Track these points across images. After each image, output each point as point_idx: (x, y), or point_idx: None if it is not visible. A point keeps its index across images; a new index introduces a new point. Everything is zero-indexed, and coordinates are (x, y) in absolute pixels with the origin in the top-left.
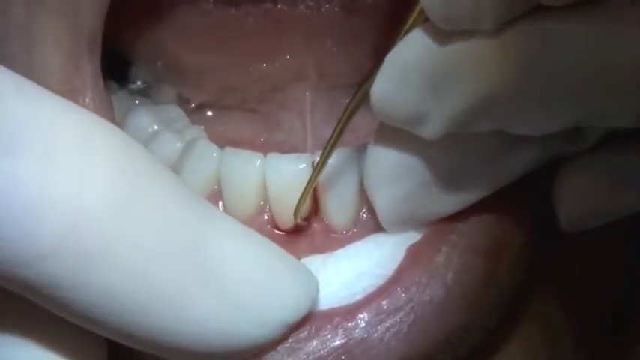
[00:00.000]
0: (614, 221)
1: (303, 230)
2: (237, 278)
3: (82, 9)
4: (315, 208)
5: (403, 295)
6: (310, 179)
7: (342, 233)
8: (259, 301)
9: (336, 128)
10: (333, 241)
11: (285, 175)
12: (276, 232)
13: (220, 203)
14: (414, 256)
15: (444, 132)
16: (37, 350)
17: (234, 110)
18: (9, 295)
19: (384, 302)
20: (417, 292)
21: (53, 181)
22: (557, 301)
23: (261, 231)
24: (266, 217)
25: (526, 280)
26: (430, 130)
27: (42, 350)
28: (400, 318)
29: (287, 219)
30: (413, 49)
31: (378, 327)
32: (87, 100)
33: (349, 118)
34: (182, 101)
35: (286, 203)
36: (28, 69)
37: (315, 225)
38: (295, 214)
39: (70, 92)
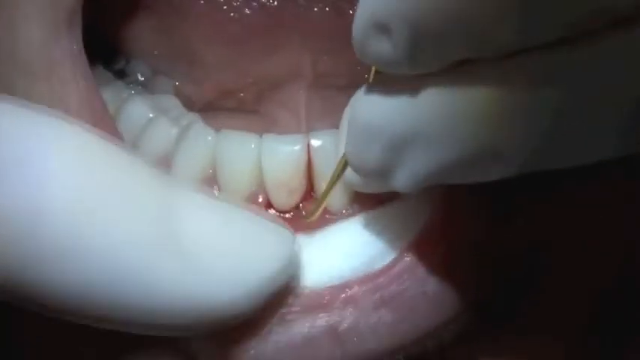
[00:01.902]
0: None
1: (297, 210)
2: (206, 246)
3: None
4: (310, 189)
5: (398, 285)
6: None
7: (336, 214)
8: (231, 268)
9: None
10: (328, 222)
11: (281, 156)
12: (272, 213)
13: (216, 186)
14: (413, 247)
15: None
16: None
17: (232, 111)
18: None
19: (378, 289)
20: (413, 284)
21: (11, 175)
22: (547, 298)
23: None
24: (261, 199)
25: (517, 277)
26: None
27: None
28: (394, 306)
29: (283, 200)
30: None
31: (371, 314)
32: (68, 73)
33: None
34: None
35: (282, 184)
36: (8, 41)
37: (309, 205)
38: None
39: (50, 64)
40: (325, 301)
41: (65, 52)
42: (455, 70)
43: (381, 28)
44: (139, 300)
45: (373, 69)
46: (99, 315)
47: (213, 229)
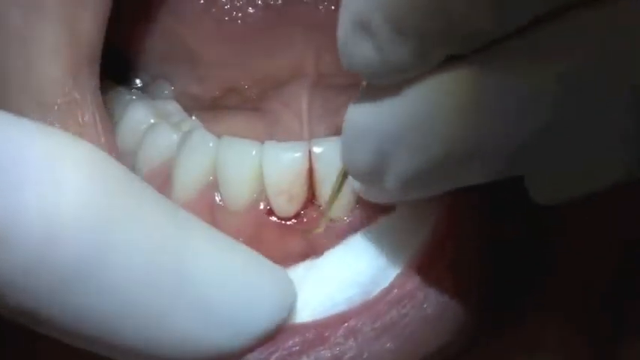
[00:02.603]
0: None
1: (299, 218)
2: (213, 288)
3: (82, 19)
4: (312, 196)
5: (398, 311)
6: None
7: (338, 221)
8: (235, 312)
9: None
10: (328, 229)
11: (282, 163)
12: (273, 219)
13: (217, 193)
14: (410, 271)
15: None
16: None
17: (235, 110)
18: None
19: (378, 316)
20: (412, 308)
21: (25, 192)
22: (547, 297)
23: (258, 219)
24: (262, 206)
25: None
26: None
27: None
28: (395, 333)
29: (284, 207)
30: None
31: (373, 343)
32: (86, 114)
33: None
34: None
35: (283, 191)
36: (26, 81)
37: (310, 213)
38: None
39: (68, 104)
40: (325, 336)
41: (85, 91)
42: (437, 69)
43: (364, 27)
44: (139, 326)
45: (364, 82)
46: (96, 338)
47: (224, 269)
